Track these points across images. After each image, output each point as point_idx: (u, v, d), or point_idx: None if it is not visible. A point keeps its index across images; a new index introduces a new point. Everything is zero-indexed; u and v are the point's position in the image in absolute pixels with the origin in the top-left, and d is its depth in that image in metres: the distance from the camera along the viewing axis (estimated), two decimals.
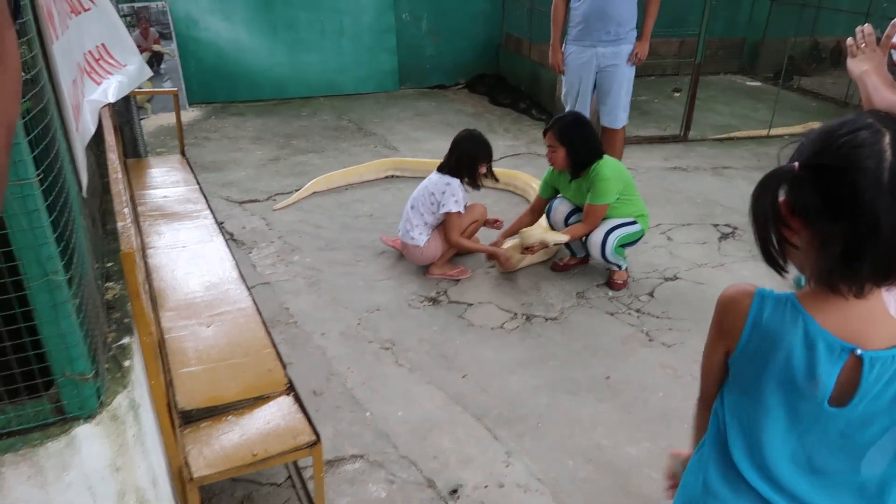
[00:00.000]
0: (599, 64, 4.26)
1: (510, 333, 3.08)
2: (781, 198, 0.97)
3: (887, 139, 0.89)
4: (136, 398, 1.42)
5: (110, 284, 1.85)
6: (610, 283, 3.49)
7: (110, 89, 2.91)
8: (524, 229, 3.56)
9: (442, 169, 3.47)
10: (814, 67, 8.12)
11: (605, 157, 3.33)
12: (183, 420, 1.86)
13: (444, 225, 3.46)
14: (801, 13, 6.58)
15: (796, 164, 0.96)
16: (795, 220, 0.97)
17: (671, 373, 2.81)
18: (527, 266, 3.67)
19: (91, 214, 2.03)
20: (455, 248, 3.49)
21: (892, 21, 1.59)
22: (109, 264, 1.97)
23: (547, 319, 3.20)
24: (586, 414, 2.57)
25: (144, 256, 2.82)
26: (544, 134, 3.33)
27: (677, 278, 3.59)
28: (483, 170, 3.47)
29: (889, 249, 0.89)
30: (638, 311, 3.29)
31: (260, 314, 2.31)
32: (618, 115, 4.41)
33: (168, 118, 6.42)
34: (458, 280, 3.53)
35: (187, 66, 6.80)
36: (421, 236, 3.44)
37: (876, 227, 0.88)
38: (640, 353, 2.94)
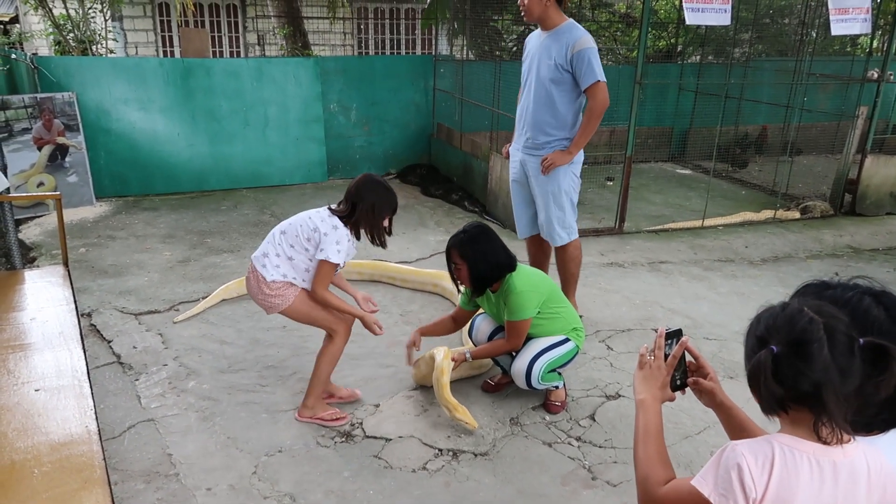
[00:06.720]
0: (526, 172, 3.89)
1: (433, 476, 2.65)
2: None
3: None
4: None
5: None
6: (547, 406, 3.13)
7: None
8: (422, 357, 3.20)
9: (333, 212, 2.88)
10: (739, 154, 8.30)
11: (520, 268, 2.99)
12: None
13: (315, 274, 2.81)
14: (724, 104, 6.74)
15: None
16: None
17: None
18: (454, 381, 3.26)
19: None
20: (320, 301, 2.85)
21: (682, 339, 1.34)
22: None
23: (476, 455, 2.79)
24: None
25: None
26: (447, 252, 3.02)
27: (620, 396, 3.26)
28: (386, 223, 2.93)
29: None
30: (578, 438, 2.93)
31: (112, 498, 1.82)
32: (552, 231, 3.85)
33: (74, 214, 5.92)
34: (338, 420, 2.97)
35: (96, 158, 6.35)
36: (275, 270, 2.79)
37: None
38: (584, 497, 2.55)
